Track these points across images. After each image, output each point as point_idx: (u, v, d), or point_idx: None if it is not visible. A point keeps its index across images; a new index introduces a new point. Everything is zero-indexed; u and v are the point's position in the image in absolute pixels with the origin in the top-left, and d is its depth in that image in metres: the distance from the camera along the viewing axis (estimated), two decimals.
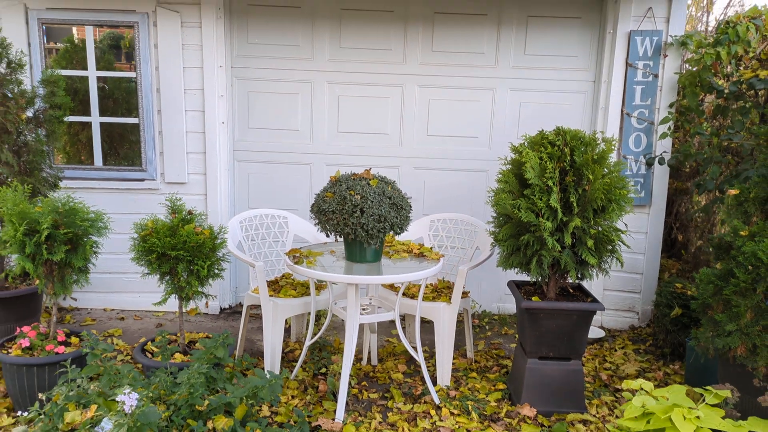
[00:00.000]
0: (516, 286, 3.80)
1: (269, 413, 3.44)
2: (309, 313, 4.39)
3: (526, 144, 3.56)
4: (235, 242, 4.09)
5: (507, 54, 4.84)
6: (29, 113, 4.10)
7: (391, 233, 3.47)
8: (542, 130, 3.55)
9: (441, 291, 4.05)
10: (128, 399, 2.39)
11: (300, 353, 4.22)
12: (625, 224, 4.66)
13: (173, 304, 5.02)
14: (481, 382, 3.95)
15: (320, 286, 4.07)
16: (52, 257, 3.24)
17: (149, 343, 3.57)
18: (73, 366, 2.95)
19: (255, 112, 4.97)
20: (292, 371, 3.97)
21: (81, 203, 3.42)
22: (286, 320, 4.72)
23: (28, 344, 3.41)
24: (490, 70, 4.85)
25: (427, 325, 4.89)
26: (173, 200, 3.46)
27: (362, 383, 3.90)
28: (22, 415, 3.20)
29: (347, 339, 3.43)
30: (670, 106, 4.62)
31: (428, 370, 4.05)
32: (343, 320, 4.05)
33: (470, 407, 3.58)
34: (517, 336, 4.07)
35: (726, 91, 4.35)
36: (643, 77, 4.60)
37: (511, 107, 4.90)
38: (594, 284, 4.89)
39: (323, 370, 3.99)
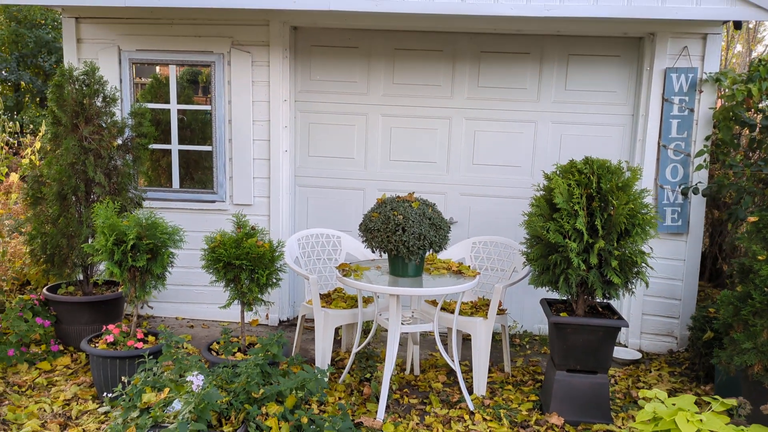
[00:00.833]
0: (548, 304, 4.09)
1: (317, 411, 3.82)
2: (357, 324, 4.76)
3: (557, 172, 3.88)
4: (293, 258, 4.53)
5: (549, 89, 5.17)
6: (119, 141, 4.70)
7: (433, 252, 3.84)
8: (572, 160, 3.86)
9: (479, 307, 4.37)
10: (196, 379, 2.83)
11: (348, 361, 4.60)
12: (651, 248, 4.83)
13: (237, 314, 5.50)
14: (515, 393, 4.22)
15: (368, 299, 4.46)
16: (135, 264, 3.76)
17: (215, 343, 4.03)
18: (150, 357, 3.42)
19: (315, 141, 5.46)
20: (340, 377, 4.35)
21: (161, 219, 3.95)
22: (336, 330, 5.12)
23: (112, 340, 3.93)
24: (533, 104, 5.20)
25: (468, 342, 5.18)
26: (239, 216, 3.95)
27: (404, 390, 4.23)
28: (106, 396, 3.70)
29: (389, 345, 3.79)
30: (706, 139, 4.83)
31: (465, 381, 4.35)
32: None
33: (502, 414, 3.86)
34: None
35: (759, 125, 4.55)
36: (679, 111, 4.84)
37: (553, 139, 5.22)
38: (632, 309, 5.08)
39: (368, 376, 4.35)
